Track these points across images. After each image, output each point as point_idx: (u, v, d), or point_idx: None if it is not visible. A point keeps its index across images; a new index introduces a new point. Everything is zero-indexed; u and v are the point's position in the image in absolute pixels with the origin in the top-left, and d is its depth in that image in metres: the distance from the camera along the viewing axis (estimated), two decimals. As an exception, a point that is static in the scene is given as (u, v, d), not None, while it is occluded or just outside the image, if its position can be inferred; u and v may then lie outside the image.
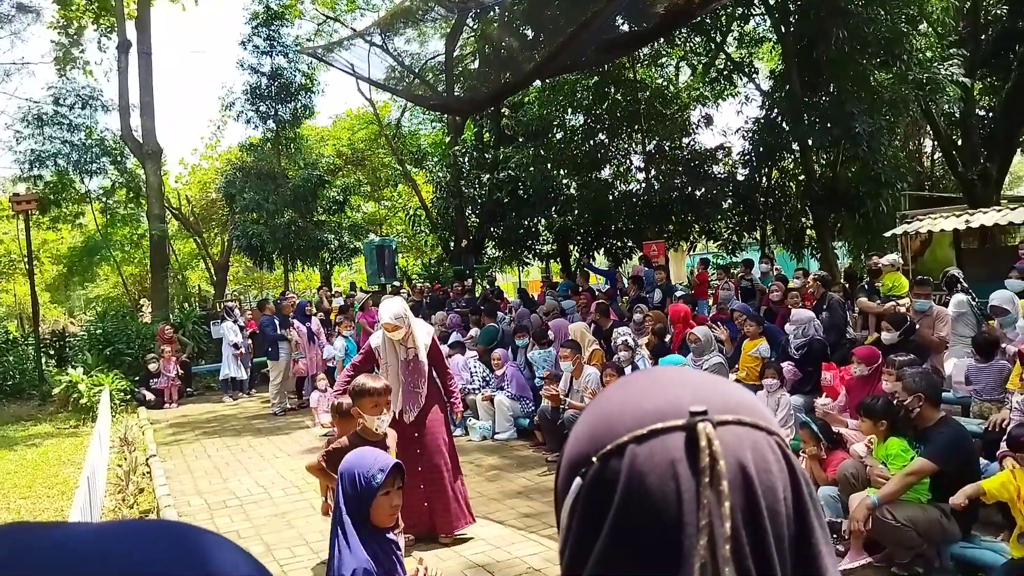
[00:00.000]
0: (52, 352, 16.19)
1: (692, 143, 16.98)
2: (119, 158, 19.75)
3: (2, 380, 14.59)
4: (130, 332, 14.54)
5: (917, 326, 6.37)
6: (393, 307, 5.07)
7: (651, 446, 0.57)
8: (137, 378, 13.07)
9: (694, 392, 0.60)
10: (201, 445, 9.33)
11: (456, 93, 17.56)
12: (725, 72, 17.02)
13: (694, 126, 17.06)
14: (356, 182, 22.44)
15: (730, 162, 16.76)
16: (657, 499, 0.55)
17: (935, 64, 12.74)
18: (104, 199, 21.02)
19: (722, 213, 16.11)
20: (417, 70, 19.98)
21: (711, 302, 10.98)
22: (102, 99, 19.71)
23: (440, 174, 19.31)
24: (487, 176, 16.72)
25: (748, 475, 0.56)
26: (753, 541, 0.54)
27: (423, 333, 5.17)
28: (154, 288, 17.77)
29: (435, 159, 21.67)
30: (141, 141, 17.53)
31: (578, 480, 0.60)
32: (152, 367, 12.79)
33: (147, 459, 8.30)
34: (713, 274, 13.15)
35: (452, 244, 19.02)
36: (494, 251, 19.44)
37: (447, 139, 19.85)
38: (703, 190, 15.85)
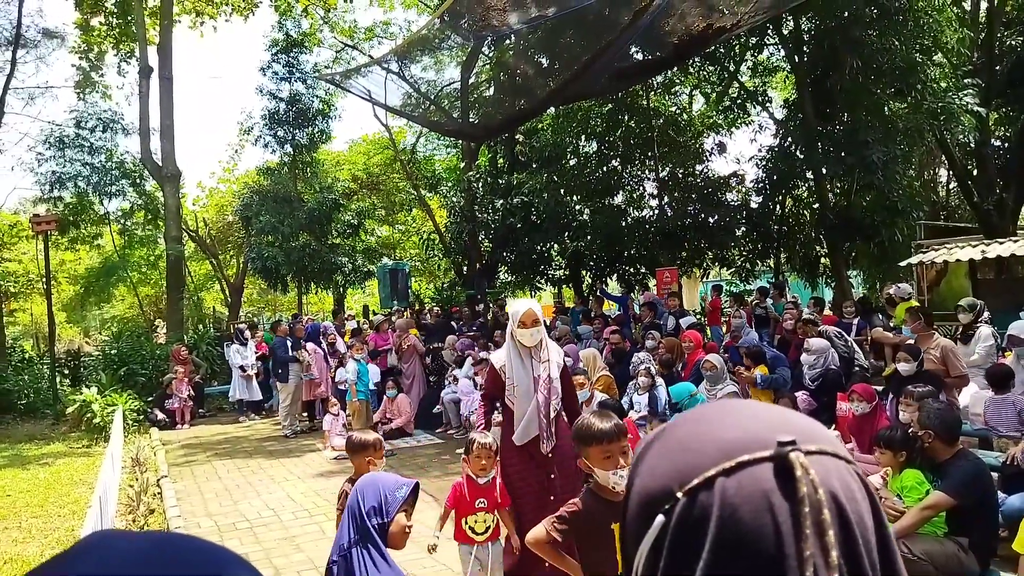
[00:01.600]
0: (67, 371, 16.33)
1: (705, 170, 17.02)
2: (138, 180, 20.07)
3: (16, 399, 14.70)
4: (144, 353, 14.66)
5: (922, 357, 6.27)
6: (530, 303, 4.26)
7: (740, 478, 0.56)
8: (151, 398, 13.14)
9: (770, 423, 0.60)
10: (212, 467, 9.33)
11: (471, 119, 17.74)
12: (739, 101, 17.11)
13: (707, 154, 17.11)
14: (371, 206, 22.66)
15: (744, 190, 16.77)
16: (753, 532, 0.54)
17: (950, 94, 12.74)
18: (122, 221, 21.33)
19: (735, 240, 16.08)
20: (433, 97, 20.20)
21: (724, 330, 10.93)
22: (123, 122, 20.11)
23: (454, 199, 19.45)
24: (500, 201, 16.82)
25: (840, 504, 0.55)
26: (851, 571, 0.54)
27: (556, 350, 4.38)
28: (169, 309, 17.93)
29: (449, 184, 21.84)
30: (160, 164, 17.81)
31: (660, 517, 0.59)
32: (169, 389, 12.86)
33: (158, 480, 8.31)
34: (726, 301, 13.10)
35: (465, 268, 19.09)
36: (507, 276, 19.48)
37: (461, 164, 20.03)
38: (716, 217, 15.83)
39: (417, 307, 16.17)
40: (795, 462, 0.55)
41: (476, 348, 10.92)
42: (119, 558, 0.49)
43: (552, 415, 4.10)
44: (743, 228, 16.12)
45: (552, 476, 4.10)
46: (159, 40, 18.21)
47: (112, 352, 14.75)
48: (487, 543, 3.94)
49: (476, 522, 3.93)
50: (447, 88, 21.31)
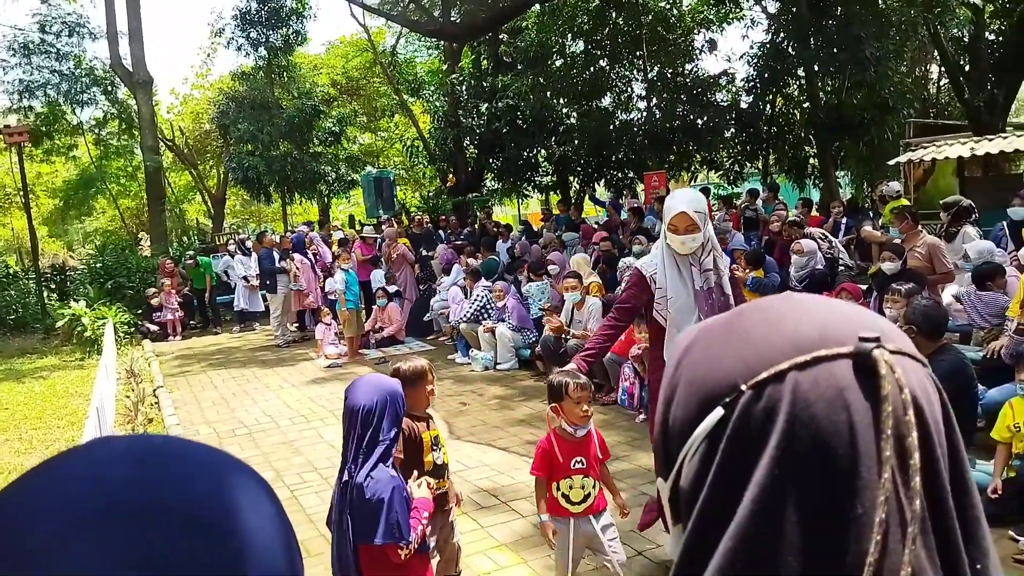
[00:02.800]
0: (53, 286, 16.23)
1: (695, 70, 16.62)
2: (110, 88, 19.35)
3: (5, 314, 14.68)
4: (130, 266, 14.56)
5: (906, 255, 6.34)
6: (690, 195, 3.35)
7: (815, 373, 0.53)
8: (139, 311, 13.16)
9: (848, 318, 0.57)
10: (207, 376, 9.47)
11: (453, 18, 17.04)
12: (730, -7, 16.49)
13: (698, 52, 16.65)
14: (352, 112, 22.04)
15: (734, 89, 16.44)
16: (827, 429, 0.51)
17: (946, -15, 12.36)
18: (97, 131, 20.70)
19: (724, 142, 15.90)
20: (412, -7, 19.33)
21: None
22: (89, 26, 19.17)
23: (437, 104, 18.93)
24: (485, 105, 16.42)
25: (920, 406, 0.53)
26: (928, 475, 0.52)
27: (724, 258, 3.51)
28: (152, 221, 17.70)
29: (432, 88, 21.20)
30: (131, 69, 17.15)
31: (719, 410, 0.56)
32: (154, 301, 12.87)
33: (154, 390, 8.44)
34: (715, 204, 13.08)
35: (450, 175, 18.82)
36: (493, 182, 19.26)
37: (444, 67, 19.38)
38: (705, 118, 15.58)
39: (404, 218, 16.04)
40: (879, 359, 0.52)
41: (461, 258, 10.94)
42: (111, 457, 0.48)
43: None
44: (732, 129, 15.90)
45: None
46: (120, -66, 17.13)
47: (98, 266, 14.63)
48: (588, 515, 3.14)
49: (572, 488, 3.11)
50: (427, -16, 20.33)
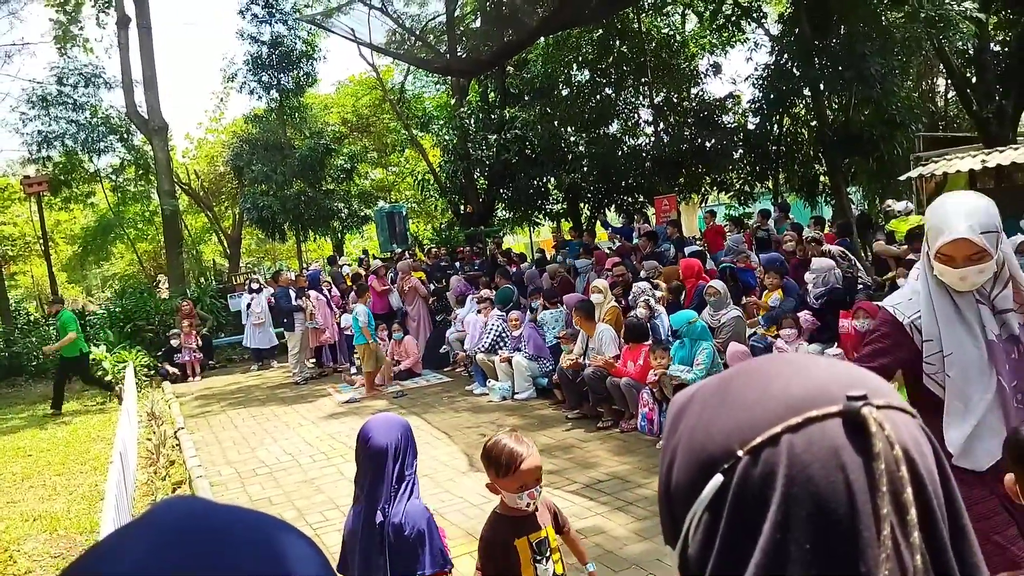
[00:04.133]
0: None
1: (701, 93, 16.74)
2: (126, 135, 19.76)
3: (26, 361, 14.84)
4: (149, 308, 14.73)
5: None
6: (969, 205, 2.13)
7: (808, 434, 0.54)
8: (159, 353, 13.28)
9: (835, 377, 0.57)
10: (227, 416, 9.50)
11: (459, 54, 17.32)
12: (733, 18, 16.63)
13: (702, 76, 16.80)
14: (363, 149, 22.36)
15: (740, 111, 16.52)
16: (825, 490, 0.52)
17: (948, 0, 12.40)
18: (113, 177, 21.10)
19: (733, 163, 15.94)
20: (418, 32, 19.68)
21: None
22: (105, 76, 19.64)
23: (446, 137, 19.16)
24: (494, 137, 16.59)
25: (912, 460, 0.53)
26: (926, 527, 0.52)
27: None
28: (169, 264, 17.93)
29: (440, 122, 21.48)
30: (147, 117, 17.51)
31: (719, 477, 0.56)
32: (174, 342, 13.00)
33: (175, 432, 8.47)
34: (725, 224, 13.08)
35: (462, 207, 18.97)
36: (504, 212, 19.38)
37: (452, 101, 19.65)
38: (713, 141, 15.65)
39: (419, 252, 16.17)
40: (868, 417, 0.53)
41: (474, 289, 10.98)
42: (166, 542, 0.50)
43: None
44: (740, 150, 15.95)
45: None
46: (133, -13, 17.62)
47: (117, 310, 14.82)
48: None
49: None
50: (432, 22, 20.71)
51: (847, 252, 8.15)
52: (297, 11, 18.66)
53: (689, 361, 6.08)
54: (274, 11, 17.88)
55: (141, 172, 20.41)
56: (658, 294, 7.86)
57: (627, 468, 5.67)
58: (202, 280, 18.22)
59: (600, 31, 15.94)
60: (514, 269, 11.79)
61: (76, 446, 8.53)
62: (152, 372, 12.86)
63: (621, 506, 4.88)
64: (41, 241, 16.11)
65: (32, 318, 17.36)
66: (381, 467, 2.39)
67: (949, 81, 18.45)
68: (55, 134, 18.89)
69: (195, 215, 26.16)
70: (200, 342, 13.33)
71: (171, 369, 12.87)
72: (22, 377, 14.48)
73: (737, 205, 16.68)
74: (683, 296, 7.80)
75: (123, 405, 7.98)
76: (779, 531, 0.52)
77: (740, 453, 0.55)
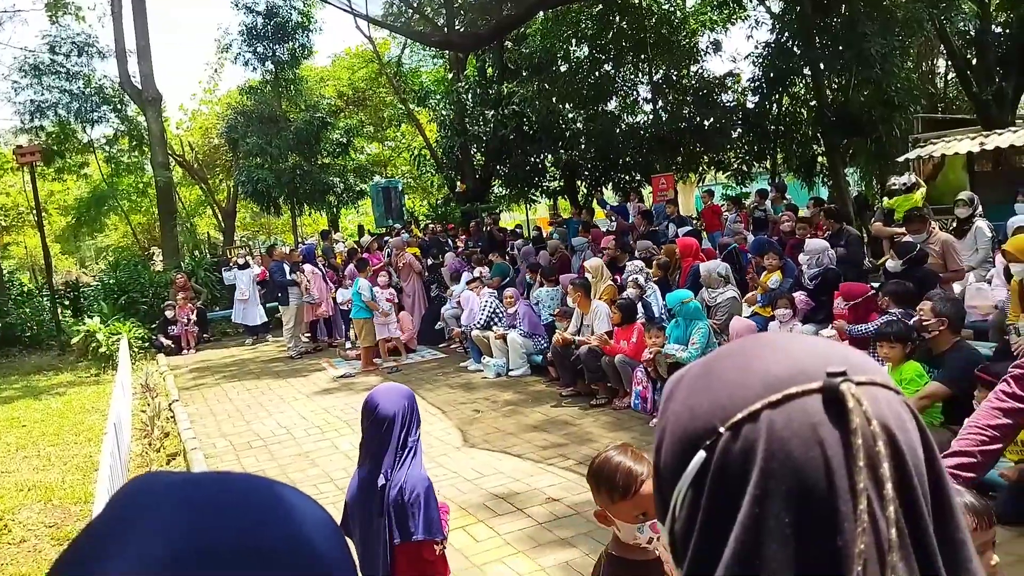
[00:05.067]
0: (67, 303, 16.36)
1: (700, 71, 16.60)
2: (119, 106, 19.53)
3: (20, 331, 14.81)
4: (143, 281, 14.68)
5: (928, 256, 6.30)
6: None
7: (788, 410, 0.54)
8: (154, 326, 13.26)
9: (816, 355, 0.58)
10: (222, 389, 9.52)
11: (457, 28, 17.12)
12: (734, -7, 16.47)
13: (702, 53, 16.63)
14: (359, 123, 22.16)
15: (739, 89, 16.41)
16: (803, 464, 0.53)
17: (951, -21, 12.31)
18: (107, 148, 20.91)
19: (731, 143, 15.87)
20: (416, 4, 19.44)
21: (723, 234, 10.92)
22: (98, 45, 19.38)
23: (443, 112, 19.01)
24: (491, 112, 16.45)
25: (892, 435, 0.54)
26: (905, 502, 0.53)
27: None
28: (164, 236, 17.83)
29: (438, 97, 21.29)
30: (140, 87, 17.29)
31: (701, 453, 0.57)
32: (168, 314, 12.98)
33: (170, 404, 8.49)
34: (724, 205, 13.05)
35: (458, 183, 18.88)
36: (501, 189, 19.30)
37: (449, 75, 19.47)
38: (712, 119, 15.56)
39: (415, 228, 16.12)
40: (846, 393, 0.54)
41: (469, 266, 10.96)
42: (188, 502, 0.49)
43: None
44: (739, 129, 15.87)
45: None
46: (127, -46, 17.31)
47: (111, 282, 14.77)
48: None
49: None
50: (431, -6, 20.45)
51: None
52: (293, -20, 18.38)
53: (684, 340, 6.10)
54: (269, -21, 17.62)
55: (135, 143, 20.21)
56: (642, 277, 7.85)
57: (620, 445, 5.71)
58: (196, 253, 18.13)
59: (600, 6, 15.76)
60: (509, 249, 11.77)
61: (70, 417, 8.54)
62: (146, 344, 12.84)
63: (614, 482, 4.92)
64: (34, 212, 15.98)
65: (26, 289, 17.28)
66: (388, 434, 2.45)
67: (949, 63, 18.34)
68: (48, 103, 18.68)
69: (189, 187, 25.96)
70: (195, 315, 13.31)
71: (166, 341, 12.87)
72: (16, 348, 14.45)
73: (734, 185, 16.63)
74: (677, 275, 7.80)
75: (117, 377, 7.98)
76: (758, 505, 0.53)
77: (721, 430, 0.56)
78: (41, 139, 18.71)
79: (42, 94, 18.74)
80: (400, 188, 18.42)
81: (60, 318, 14.56)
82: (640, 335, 6.63)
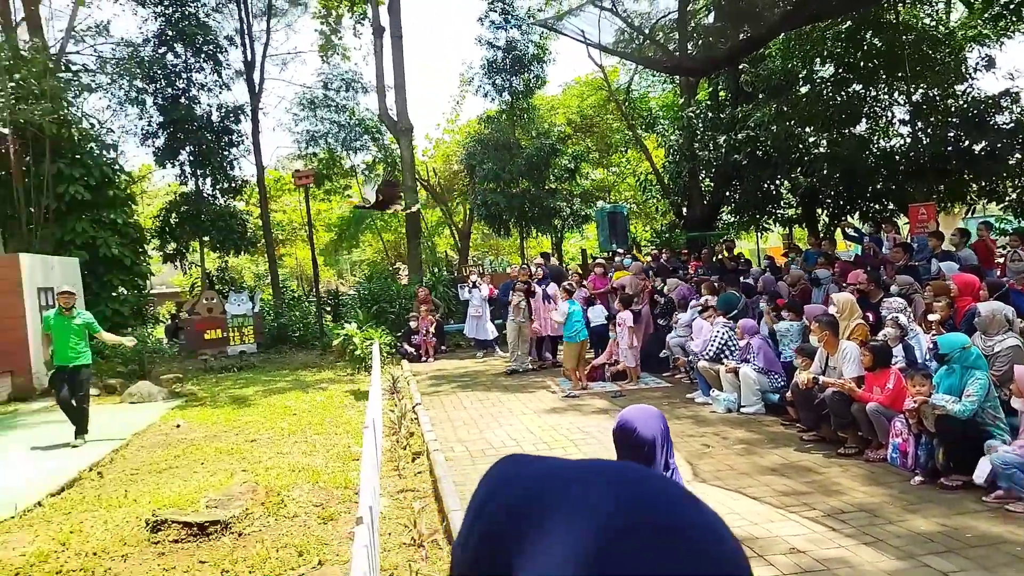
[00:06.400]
0: (328, 308, 18.57)
1: (969, 90, 14.80)
2: (377, 135, 21.92)
3: (291, 331, 17.06)
4: (392, 292, 16.24)
5: None
6: None
7: None
8: (399, 334, 14.60)
9: None
10: (457, 397, 10.19)
11: (689, 52, 16.92)
12: (1011, 5, 14.50)
13: (971, 70, 14.83)
14: (585, 149, 22.74)
15: (1018, 110, 14.37)
16: None
17: None
18: (367, 173, 23.52)
19: (1008, 170, 13.92)
20: (647, 31, 19.55)
21: (998, 273, 9.59)
22: (362, 82, 21.94)
23: (672, 137, 18.85)
24: (723, 137, 16.01)
25: None
26: None
27: None
28: (409, 253, 19.60)
29: (666, 122, 21.16)
30: (396, 119, 19.22)
31: None
32: (412, 324, 14.25)
33: (413, 407, 9.25)
34: (1002, 240, 11.47)
35: (685, 209, 18.56)
36: (730, 216, 18.67)
37: (679, 100, 19.29)
38: (984, 143, 13.79)
39: (638, 252, 16.13)
40: None
41: (697, 294, 10.67)
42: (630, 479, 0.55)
43: None
44: (1018, 155, 13.88)
45: None
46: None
47: (365, 292, 16.53)
48: None
49: None
50: (662, 20, 20.46)
51: None
52: (531, 16, 19.42)
53: (958, 391, 5.42)
54: (510, 17, 18.79)
55: (389, 169, 22.52)
56: (919, 313, 7.09)
57: (876, 501, 5.21)
58: (435, 270, 19.70)
59: (849, 23, 14.71)
60: (746, 277, 11.31)
61: (331, 410, 9.63)
62: (392, 350, 14.15)
63: (870, 541, 4.50)
64: (306, 227, 18.35)
65: (296, 294, 19.89)
66: (651, 458, 2.44)
67: None
68: (320, 133, 21.47)
69: (431, 209, 28.32)
70: (434, 327, 14.44)
71: (409, 349, 14.11)
72: (287, 345, 16.67)
73: (1010, 217, 14.54)
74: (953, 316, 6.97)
75: (374, 379, 8.86)
76: None
77: None
78: (313, 164, 21.52)
79: (316, 124, 21.58)
80: (626, 213, 18.55)
81: (323, 322, 16.56)
82: (898, 381, 6.02)
